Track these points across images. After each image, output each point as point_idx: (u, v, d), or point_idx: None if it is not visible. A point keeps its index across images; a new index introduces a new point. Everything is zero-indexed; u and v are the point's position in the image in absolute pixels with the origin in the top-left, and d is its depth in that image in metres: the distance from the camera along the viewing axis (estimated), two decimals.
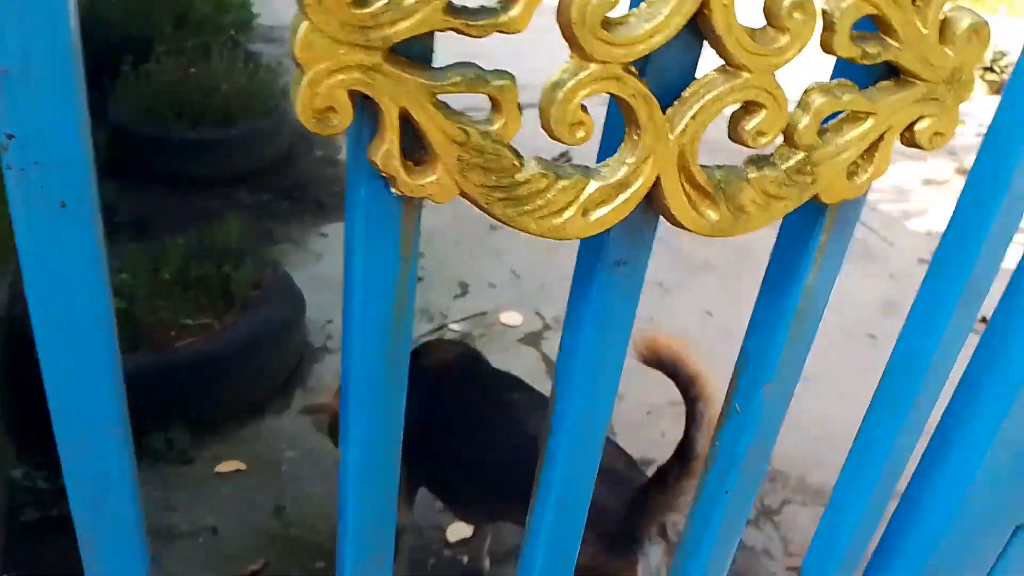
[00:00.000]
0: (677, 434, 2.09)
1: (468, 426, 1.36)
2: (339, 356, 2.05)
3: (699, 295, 2.68)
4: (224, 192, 2.84)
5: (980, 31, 0.41)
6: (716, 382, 1.25)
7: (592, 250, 0.45)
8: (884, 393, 0.60)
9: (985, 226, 0.51)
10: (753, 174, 0.42)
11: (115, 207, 2.47)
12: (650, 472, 1.34)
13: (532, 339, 2.38)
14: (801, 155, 0.42)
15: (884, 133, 0.43)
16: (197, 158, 2.82)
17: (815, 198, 0.44)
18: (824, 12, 0.39)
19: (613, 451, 1.33)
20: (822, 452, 2.02)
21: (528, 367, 2.24)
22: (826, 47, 0.40)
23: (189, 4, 3.30)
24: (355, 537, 0.49)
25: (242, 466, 1.83)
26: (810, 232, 0.48)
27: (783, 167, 0.42)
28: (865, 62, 0.40)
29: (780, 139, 0.42)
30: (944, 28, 0.41)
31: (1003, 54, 4.82)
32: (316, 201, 2.93)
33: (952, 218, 0.54)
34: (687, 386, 1.25)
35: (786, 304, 0.50)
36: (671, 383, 2.26)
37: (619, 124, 0.40)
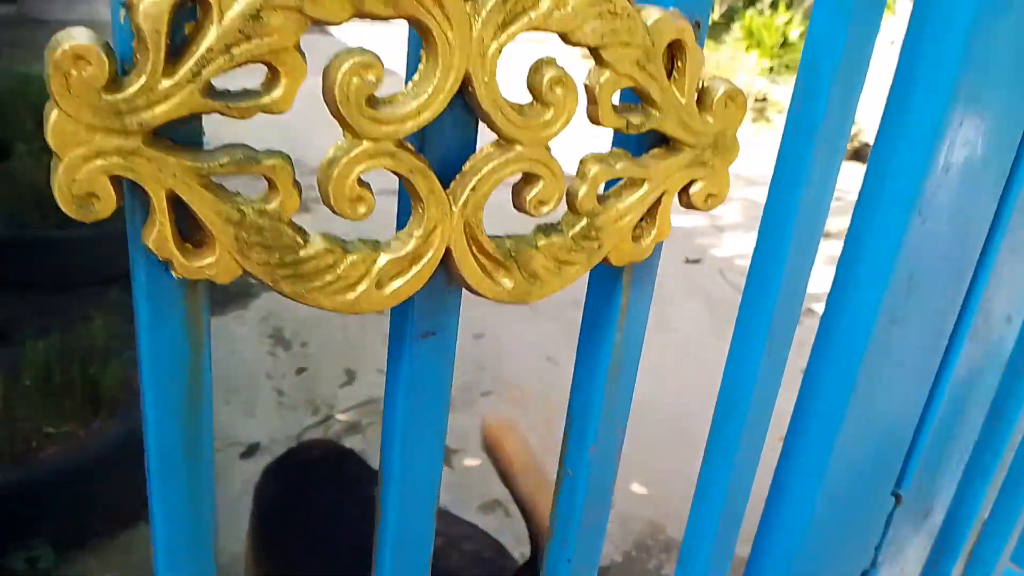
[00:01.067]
0: None
1: (326, 528, 1.31)
2: (219, 456, 1.96)
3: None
4: (93, 293, 2.72)
5: (736, 98, 0.45)
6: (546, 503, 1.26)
7: (399, 322, 0.45)
8: (716, 432, 0.63)
9: (777, 275, 0.55)
10: (542, 241, 0.44)
11: None
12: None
13: None
14: (584, 221, 0.45)
15: (661, 197, 0.46)
16: (63, 259, 2.71)
17: (605, 261, 0.47)
18: (586, 86, 0.42)
19: (482, 537, 1.31)
20: None
21: None
22: (592, 119, 0.43)
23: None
24: None
25: None
26: (611, 294, 0.50)
27: (569, 233, 0.45)
28: (631, 132, 0.43)
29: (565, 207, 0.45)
30: (702, 97, 0.45)
31: None
32: None
33: (751, 269, 0.57)
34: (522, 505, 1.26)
35: (599, 365, 0.52)
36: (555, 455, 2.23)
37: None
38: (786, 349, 0.59)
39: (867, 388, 0.62)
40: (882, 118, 0.57)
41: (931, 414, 0.69)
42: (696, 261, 3.66)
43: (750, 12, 6.96)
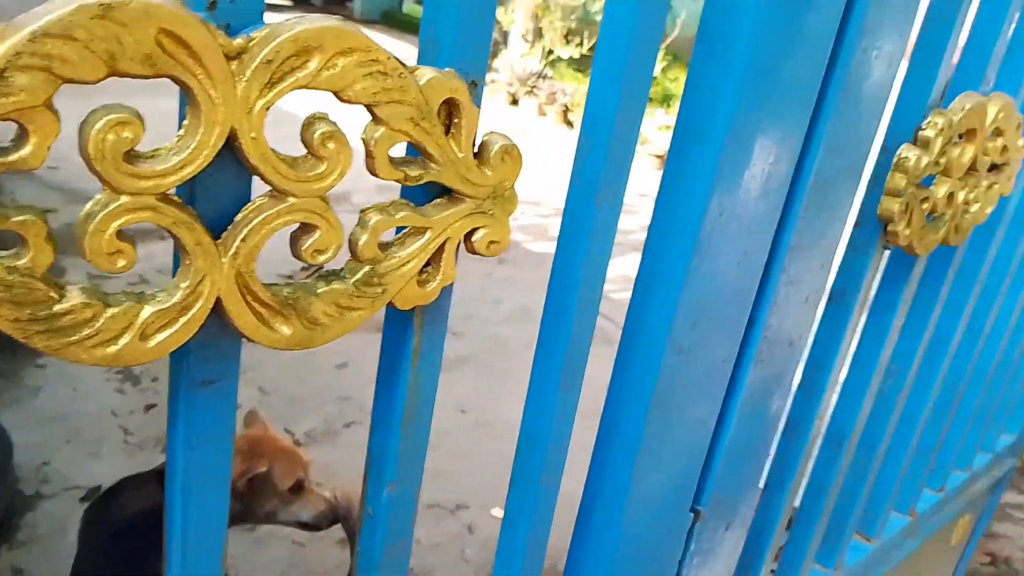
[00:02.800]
0: (433, 538, 2.08)
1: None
2: (55, 501, 1.84)
3: (454, 393, 2.73)
4: None
5: (511, 152, 0.48)
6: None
7: (177, 370, 0.45)
8: (517, 473, 0.65)
9: (567, 319, 0.59)
10: (323, 288, 0.45)
11: None
12: None
13: None
14: (367, 268, 0.46)
15: (443, 244, 0.48)
16: None
17: (391, 305, 0.48)
18: (363, 140, 0.44)
19: None
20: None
21: None
22: (371, 171, 0.44)
23: None
24: None
25: None
26: (403, 337, 0.52)
27: (352, 280, 0.46)
28: (409, 184, 0.45)
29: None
30: (481, 151, 0.48)
31: None
32: None
33: (544, 317, 0.61)
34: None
35: (395, 406, 0.53)
36: (428, 485, 2.29)
37: None
38: (578, 383, 0.63)
39: (660, 414, 0.67)
40: (664, 171, 0.62)
41: (723, 434, 0.74)
42: None
43: None
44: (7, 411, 2.23)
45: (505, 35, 8.51)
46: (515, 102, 8.08)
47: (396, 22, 10.97)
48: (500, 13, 9.42)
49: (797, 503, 1.03)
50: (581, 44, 8.06)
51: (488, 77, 8.79)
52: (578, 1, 7.97)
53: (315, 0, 10.69)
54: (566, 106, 7.62)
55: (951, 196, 0.85)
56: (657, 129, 6.84)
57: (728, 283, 0.66)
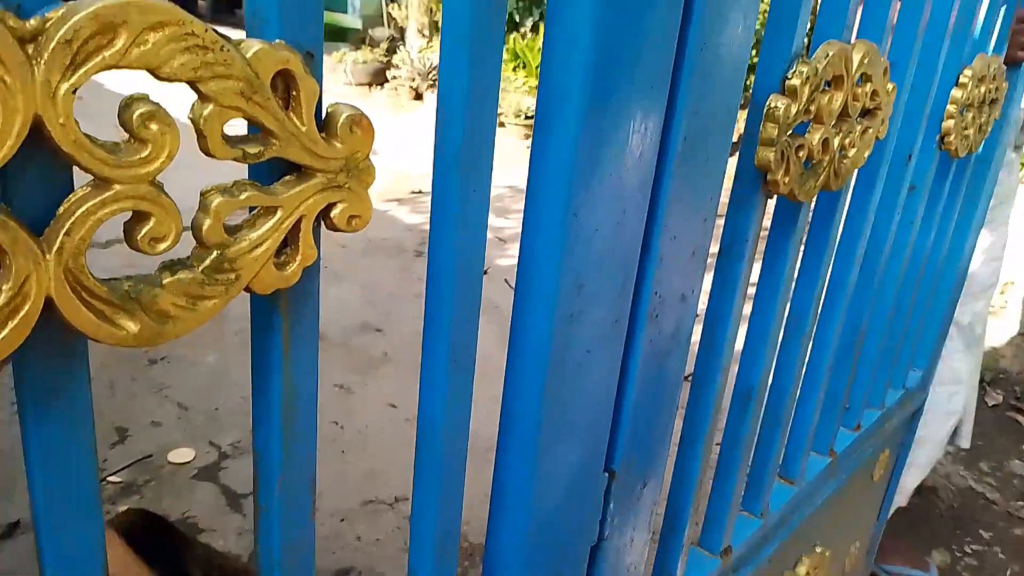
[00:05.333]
0: (373, 534, 2.06)
1: None
2: (26, 538, 1.72)
3: (381, 389, 2.70)
4: None
5: (360, 122, 0.47)
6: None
7: (21, 387, 0.42)
8: (418, 465, 0.64)
9: (447, 300, 0.58)
10: (168, 279, 0.43)
11: None
12: None
13: (208, 473, 2.22)
14: (215, 254, 0.44)
15: (298, 223, 0.46)
16: None
17: (250, 291, 0.46)
18: (191, 119, 0.41)
19: None
20: None
21: (207, 505, 2.08)
22: (205, 151, 0.42)
23: None
24: None
25: None
26: (271, 326, 0.50)
27: (200, 268, 0.44)
28: (249, 161, 0.43)
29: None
30: (327, 123, 0.46)
31: None
32: None
33: (426, 303, 0.59)
34: None
35: (272, 399, 0.51)
36: (367, 484, 2.25)
37: None
38: (470, 362, 0.62)
39: (558, 380, 0.66)
40: (533, 136, 0.61)
41: (627, 393, 0.75)
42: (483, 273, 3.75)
43: (513, 35, 7.29)
44: None
45: (402, 31, 8.44)
46: (419, 96, 8.01)
47: None
48: (395, 10, 9.33)
49: (716, 454, 1.05)
50: None
51: (389, 74, 8.68)
52: None
53: (202, 10, 10.35)
54: None
55: (826, 142, 0.87)
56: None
57: (610, 244, 0.66)
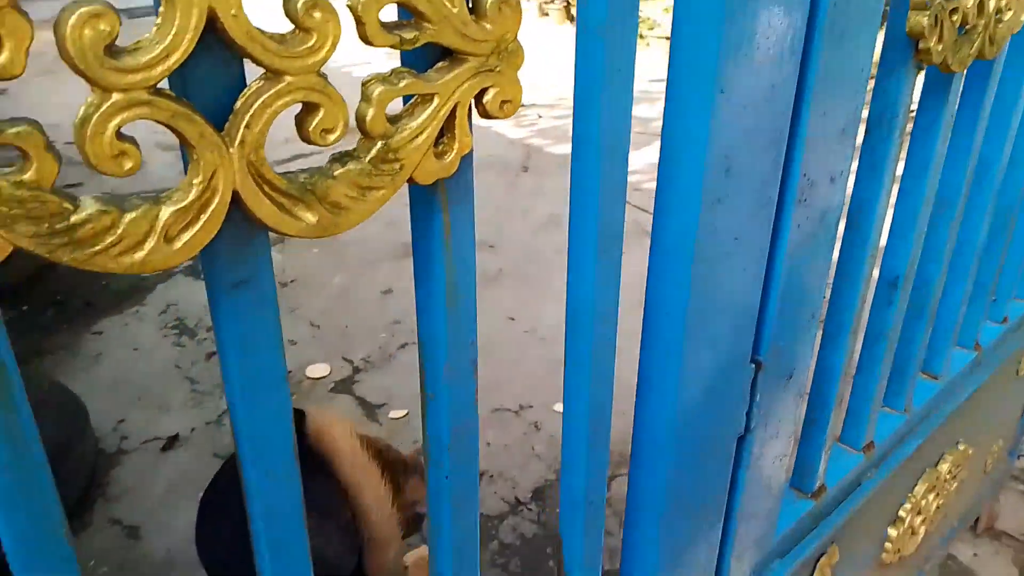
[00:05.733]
0: (502, 440, 2.12)
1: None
2: (138, 454, 1.90)
3: (499, 304, 2.75)
4: None
5: (508, 2, 0.46)
6: (374, 495, 1.26)
7: (211, 277, 0.45)
8: (570, 350, 0.65)
9: (594, 181, 0.57)
10: (339, 171, 0.44)
11: None
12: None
13: (344, 386, 2.34)
14: (380, 144, 0.45)
15: (454, 110, 0.46)
16: None
17: (412, 182, 0.47)
18: (350, 7, 0.41)
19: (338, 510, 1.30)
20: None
21: (346, 414, 2.20)
22: (363, 39, 0.42)
23: None
24: None
25: None
26: (431, 216, 0.51)
27: (367, 159, 0.44)
28: (406, 47, 0.43)
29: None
30: (475, 5, 0.45)
31: None
32: (84, 301, 2.73)
33: (571, 184, 0.59)
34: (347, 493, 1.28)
35: (436, 287, 0.53)
36: (488, 393, 2.29)
37: None
38: (618, 260, 0.61)
39: (705, 267, 0.65)
40: (675, 5, 0.59)
41: (774, 281, 0.72)
42: None
43: None
44: (74, 381, 2.31)
45: None
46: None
47: None
48: None
49: (858, 348, 1.01)
50: None
51: None
52: None
53: None
54: (568, 1, 7.33)
55: (981, 4, 0.80)
56: (663, 11, 6.57)
57: (758, 121, 0.63)
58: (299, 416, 1.39)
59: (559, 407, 2.46)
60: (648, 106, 4.65)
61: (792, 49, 0.62)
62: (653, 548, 0.78)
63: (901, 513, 1.32)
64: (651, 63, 4.69)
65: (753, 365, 0.76)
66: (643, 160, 4.02)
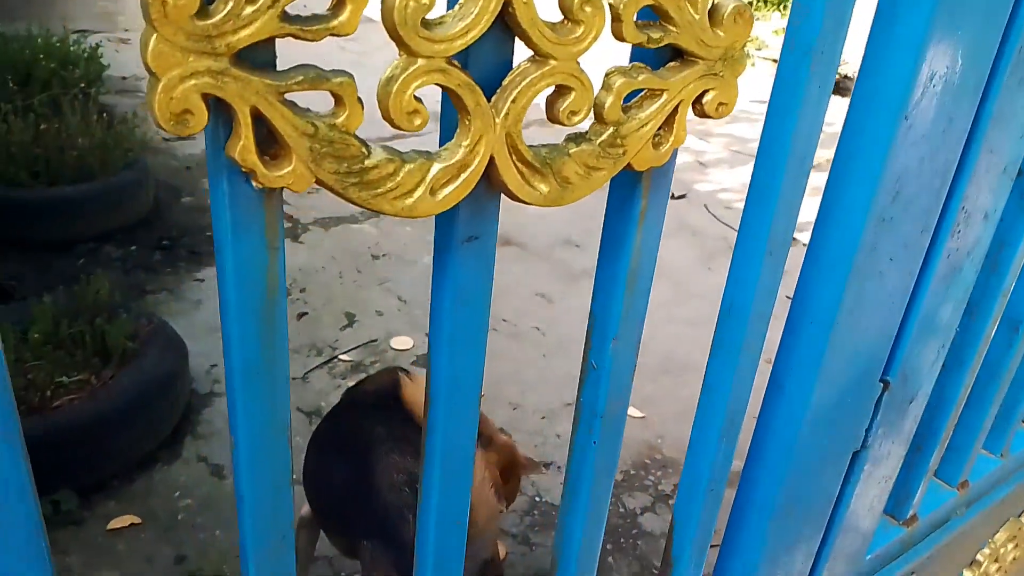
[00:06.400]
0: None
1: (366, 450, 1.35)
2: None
3: (581, 301, 2.79)
4: (90, 250, 2.74)
5: (743, 14, 0.50)
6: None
7: (445, 230, 0.50)
8: (718, 343, 0.69)
9: (775, 186, 0.61)
10: (573, 149, 0.49)
11: None
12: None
13: (426, 360, 2.42)
14: (611, 130, 0.49)
15: (677, 106, 0.51)
16: (58, 218, 2.71)
17: (628, 167, 0.51)
18: (611, 5, 0.46)
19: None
20: None
21: None
22: (617, 35, 0.47)
23: (32, 60, 3.18)
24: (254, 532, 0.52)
25: (136, 520, 1.77)
26: (631, 200, 0.55)
27: (597, 141, 0.49)
28: (651, 46, 0.48)
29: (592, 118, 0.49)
30: (713, 13, 0.50)
31: None
32: (189, 249, 2.86)
33: (751, 184, 0.63)
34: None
35: (620, 266, 0.57)
36: (565, 387, 2.32)
37: (453, 112, 0.46)
38: (781, 264, 0.65)
39: (858, 283, 0.68)
40: (871, 31, 0.62)
41: (916, 305, 0.75)
42: (681, 196, 3.71)
43: None
44: (173, 321, 2.43)
45: None
46: None
47: None
48: None
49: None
50: None
51: None
52: None
53: None
54: None
55: None
56: (772, 33, 6.50)
57: (932, 151, 0.66)
58: (394, 378, 1.46)
59: (633, 412, 2.48)
60: (747, 125, 4.63)
61: (975, 87, 0.65)
62: (757, 548, 0.82)
63: (979, 557, 1.32)
64: (756, 83, 4.65)
65: (881, 384, 0.79)
66: (737, 179, 4.00)
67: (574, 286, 2.89)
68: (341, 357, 2.38)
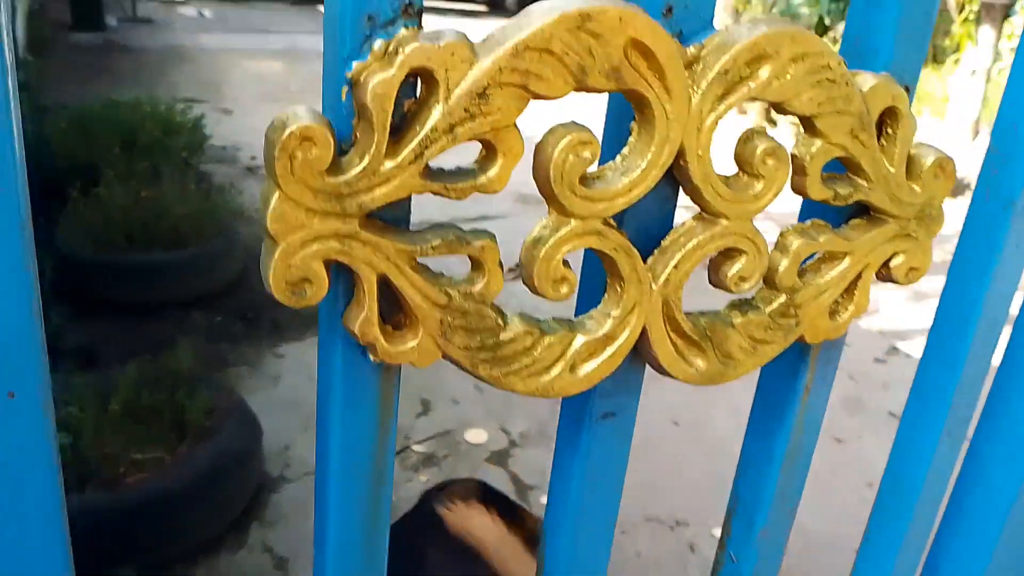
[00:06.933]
0: (654, 554, 2.02)
1: None
2: (298, 485, 1.94)
3: (664, 404, 2.66)
4: (176, 316, 2.78)
5: (945, 166, 0.42)
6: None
7: (577, 403, 0.43)
8: (878, 521, 0.58)
9: (965, 344, 0.51)
10: (738, 319, 0.41)
11: (61, 335, 2.40)
12: None
13: (499, 458, 2.32)
14: (783, 298, 0.42)
15: (861, 271, 0.43)
16: (148, 282, 2.77)
17: (800, 339, 0.43)
18: (794, 156, 0.39)
19: None
20: (803, 565, 1.97)
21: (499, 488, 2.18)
22: (798, 190, 0.40)
23: (138, 127, 3.32)
24: None
25: None
26: (794, 374, 0.47)
27: (767, 311, 0.42)
28: (837, 203, 0.40)
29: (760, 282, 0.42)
30: (911, 165, 0.42)
31: None
32: (272, 322, 2.88)
33: (931, 335, 0.53)
34: None
35: (776, 446, 0.49)
36: (648, 498, 2.16)
37: (595, 271, 0.39)
38: (963, 431, 0.55)
39: None
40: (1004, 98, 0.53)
41: None
42: None
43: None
44: (250, 397, 2.41)
45: None
46: None
47: None
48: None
49: None
50: None
51: None
52: None
53: (509, 5, 10.86)
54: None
55: None
56: None
57: None
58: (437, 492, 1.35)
59: (718, 531, 2.32)
60: None
61: None
62: None
63: None
64: None
65: None
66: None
67: (658, 386, 2.77)
68: (414, 447, 2.30)
